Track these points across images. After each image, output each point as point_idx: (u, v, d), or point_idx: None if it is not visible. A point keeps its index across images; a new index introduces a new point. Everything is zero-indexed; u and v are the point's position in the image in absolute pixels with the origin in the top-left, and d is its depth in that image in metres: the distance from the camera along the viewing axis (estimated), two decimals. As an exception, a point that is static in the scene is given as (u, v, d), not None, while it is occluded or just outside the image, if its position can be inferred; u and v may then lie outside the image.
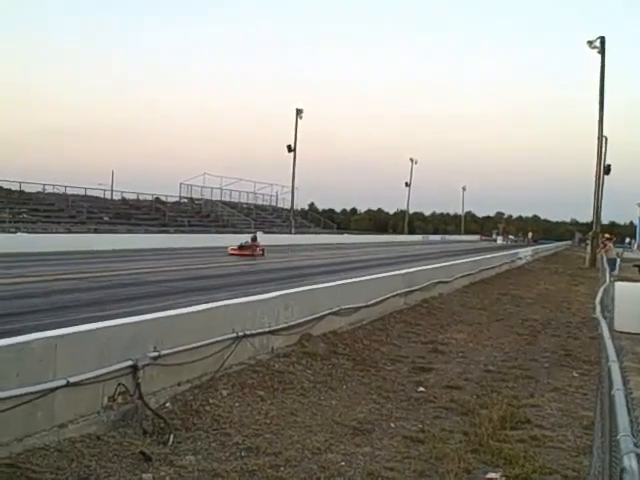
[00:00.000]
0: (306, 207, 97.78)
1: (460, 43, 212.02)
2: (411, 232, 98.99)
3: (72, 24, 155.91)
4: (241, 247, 32.57)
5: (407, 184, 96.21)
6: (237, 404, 7.08)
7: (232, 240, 43.81)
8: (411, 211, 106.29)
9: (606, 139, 41.84)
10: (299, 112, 64.11)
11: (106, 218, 52.73)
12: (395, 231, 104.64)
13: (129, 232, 45.24)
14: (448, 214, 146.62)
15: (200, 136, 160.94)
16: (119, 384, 6.44)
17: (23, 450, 5.25)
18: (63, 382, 5.73)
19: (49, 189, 54.76)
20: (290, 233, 61.32)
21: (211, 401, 7.01)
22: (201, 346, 7.59)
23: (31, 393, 5.42)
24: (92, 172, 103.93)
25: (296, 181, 67.16)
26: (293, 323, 9.94)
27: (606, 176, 44.45)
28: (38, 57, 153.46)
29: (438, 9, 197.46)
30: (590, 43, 38.47)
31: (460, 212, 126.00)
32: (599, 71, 38.97)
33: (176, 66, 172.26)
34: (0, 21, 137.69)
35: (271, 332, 9.33)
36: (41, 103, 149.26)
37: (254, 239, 34.07)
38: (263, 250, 33.32)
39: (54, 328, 6.35)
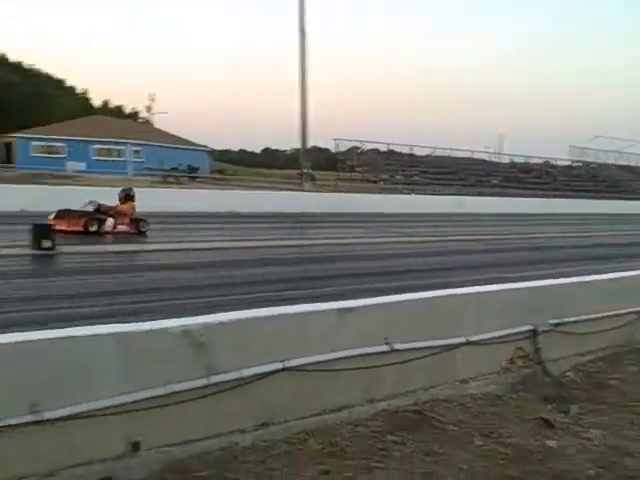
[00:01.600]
0: None
1: None
2: None
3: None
4: (60, 215, 14.88)
5: None
6: (647, 382, 6.55)
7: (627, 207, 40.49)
8: None
9: None
10: None
11: (495, 181, 53.03)
12: None
13: (519, 196, 44.66)
14: None
15: (593, 97, 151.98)
16: (517, 347, 6.41)
17: (428, 399, 5.54)
18: (463, 340, 5.89)
19: (438, 152, 56.60)
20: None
21: (617, 376, 6.65)
22: (605, 317, 7.21)
23: (438, 347, 5.68)
24: (477, 136, 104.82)
25: None
26: None
27: None
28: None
29: None
30: None
31: None
32: None
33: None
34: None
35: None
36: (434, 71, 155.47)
37: (126, 197, 16.15)
38: (139, 223, 15.65)
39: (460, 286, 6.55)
